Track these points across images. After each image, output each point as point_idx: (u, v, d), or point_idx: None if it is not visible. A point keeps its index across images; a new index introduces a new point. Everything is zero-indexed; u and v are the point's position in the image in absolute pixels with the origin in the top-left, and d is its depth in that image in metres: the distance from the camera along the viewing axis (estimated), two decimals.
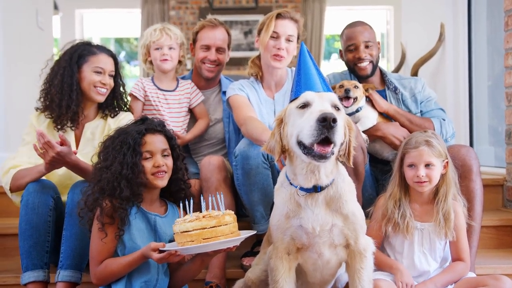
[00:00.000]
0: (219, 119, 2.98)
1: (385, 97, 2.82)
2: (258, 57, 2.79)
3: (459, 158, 2.31)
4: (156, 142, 2.04)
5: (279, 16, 2.61)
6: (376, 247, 1.99)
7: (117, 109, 2.55)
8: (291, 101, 1.80)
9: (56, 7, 6.92)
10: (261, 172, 2.37)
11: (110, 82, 2.45)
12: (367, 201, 2.49)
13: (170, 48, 2.83)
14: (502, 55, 3.15)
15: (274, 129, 1.83)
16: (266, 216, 2.43)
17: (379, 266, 2.10)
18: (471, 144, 4.08)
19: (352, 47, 2.78)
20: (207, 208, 1.88)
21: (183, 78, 3.07)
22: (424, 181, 2.08)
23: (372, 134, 2.67)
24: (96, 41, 2.87)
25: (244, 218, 2.64)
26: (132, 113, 2.66)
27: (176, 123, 2.85)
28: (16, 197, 2.32)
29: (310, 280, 1.99)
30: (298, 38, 2.68)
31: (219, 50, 2.89)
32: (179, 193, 2.13)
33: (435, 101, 2.83)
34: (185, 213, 1.92)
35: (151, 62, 2.91)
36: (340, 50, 2.92)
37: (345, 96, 2.65)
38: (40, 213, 2.17)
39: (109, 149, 2.01)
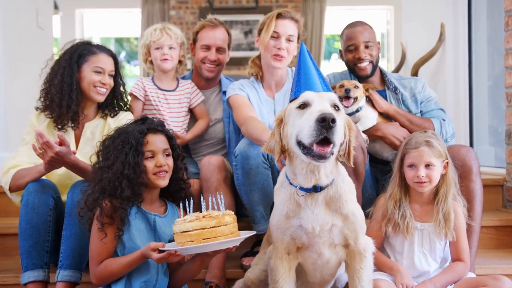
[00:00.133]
0: (219, 119, 2.98)
1: (385, 97, 2.82)
2: (258, 57, 2.79)
3: (459, 158, 2.31)
4: (157, 142, 2.04)
5: (279, 16, 2.61)
6: (376, 248, 1.99)
7: (117, 108, 2.56)
8: (291, 101, 1.81)
9: (56, 7, 6.92)
10: (261, 172, 2.37)
11: (110, 82, 2.45)
12: (367, 201, 2.49)
13: (170, 48, 2.83)
14: (502, 55, 3.15)
15: (274, 129, 1.84)
16: (266, 216, 2.43)
17: (379, 267, 2.11)
18: (471, 144, 4.08)
19: (352, 47, 2.78)
20: (207, 208, 1.88)
21: (183, 78, 3.07)
22: (424, 182, 2.08)
23: (372, 134, 2.67)
24: (96, 40, 2.87)
25: (244, 218, 2.64)
26: (132, 113, 2.67)
27: (176, 123, 2.85)
28: (16, 197, 2.32)
29: (310, 280, 1.99)
30: (298, 38, 2.68)
31: (219, 50, 2.89)
32: (179, 193, 2.14)
33: (435, 101, 2.83)
34: (185, 213, 1.92)
35: (151, 62, 2.91)
36: (340, 50, 2.92)
37: (345, 96, 2.65)
38: (40, 212, 2.17)
39: (110, 148, 2.00)
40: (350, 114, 2.64)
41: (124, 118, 2.47)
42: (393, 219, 2.12)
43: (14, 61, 4.07)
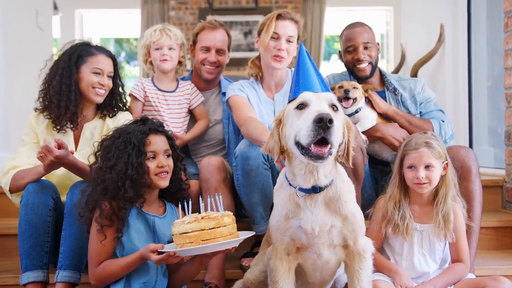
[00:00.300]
0: (218, 120, 2.98)
1: (384, 98, 2.82)
2: (258, 57, 2.79)
3: (459, 159, 2.32)
4: (159, 143, 2.04)
5: (279, 17, 2.62)
6: (376, 249, 1.99)
7: (115, 109, 2.55)
8: (289, 101, 1.81)
9: (55, 7, 6.91)
10: (261, 172, 2.37)
11: (109, 83, 2.45)
12: (366, 202, 2.49)
13: (170, 49, 2.83)
14: (501, 56, 3.16)
15: (273, 129, 1.84)
16: (266, 216, 2.43)
17: (378, 268, 2.10)
18: (471, 145, 4.08)
19: (351, 48, 2.78)
20: (205, 209, 1.88)
21: (182, 79, 3.07)
22: (424, 183, 2.08)
23: (371, 135, 2.68)
24: (96, 41, 2.87)
25: (243, 219, 2.65)
26: (132, 114, 2.67)
27: (176, 124, 2.85)
28: (16, 197, 2.32)
29: (309, 280, 1.99)
30: (298, 38, 2.68)
31: (219, 51, 2.89)
32: (178, 193, 2.14)
33: (434, 102, 2.83)
34: (184, 214, 1.92)
35: (151, 63, 2.91)
36: (340, 51, 2.93)
37: (345, 97, 2.65)
38: (40, 213, 2.17)
39: (111, 149, 2.00)
40: (349, 115, 2.64)
41: (123, 118, 2.47)
42: (392, 220, 2.12)
43: (14, 61, 4.06)
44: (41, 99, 2.44)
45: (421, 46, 4.60)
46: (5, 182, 2.29)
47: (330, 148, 1.64)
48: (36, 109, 2.46)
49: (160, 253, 1.84)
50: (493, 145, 3.97)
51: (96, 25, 8.77)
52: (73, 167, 2.21)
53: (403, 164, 2.15)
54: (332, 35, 9.13)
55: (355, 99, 2.66)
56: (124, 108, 2.61)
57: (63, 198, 2.25)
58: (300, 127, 1.65)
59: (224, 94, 2.87)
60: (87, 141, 2.44)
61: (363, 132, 2.64)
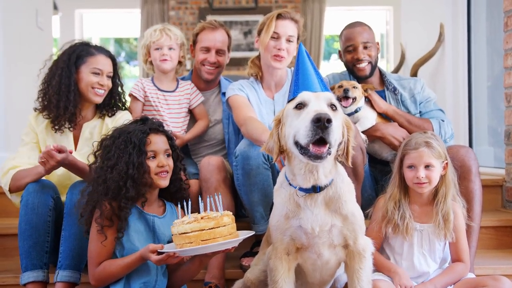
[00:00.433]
0: (218, 120, 2.98)
1: (384, 97, 2.82)
2: (258, 57, 2.79)
3: (458, 159, 2.32)
4: (159, 142, 2.04)
5: (279, 16, 2.62)
6: (376, 248, 1.99)
7: (114, 108, 2.55)
8: (289, 101, 1.81)
9: (55, 7, 6.92)
10: (262, 172, 2.37)
11: (108, 83, 2.45)
12: (366, 202, 2.49)
13: (170, 49, 2.83)
14: (501, 56, 3.16)
15: (272, 129, 1.84)
16: (266, 216, 2.43)
17: (377, 268, 2.10)
18: (471, 145, 4.08)
19: (350, 48, 2.78)
20: (205, 209, 1.88)
21: (182, 79, 3.07)
22: (424, 183, 2.08)
23: (371, 134, 2.68)
24: (95, 41, 2.87)
25: (243, 219, 2.65)
26: (132, 114, 2.67)
27: (176, 124, 2.85)
28: (16, 197, 2.32)
29: (309, 280, 1.99)
30: (298, 38, 2.68)
31: (219, 52, 2.89)
32: (178, 193, 2.14)
33: (434, 102, 2.83)
34: (183, 213, 1.92)
35: (151, 63, 2.91)
36: (339, 51, 2.93)
37: (344, 96, 2.65)
38: (40, 213, 2.18)
39: (111, 148, 2.00)
40: (349, 115, 2.64)
41: (122, 117, 2.48)
42: (392, 220, 2.12)
43: (14, 61, 4.06)
44: (40, 99, 2.44)
45: (421, 45, 4.60)
46: (5, 182, 2.29)
47: (329, 148, 1.64)
48: (35, 109, 2.46)
49: (159, 253, 1.84)
50: (493, 145, 3.97)
51: (96, 25, 8.77)
52: (73, 167, 2.22)
53: (403, 163, 2.15)
54: (332, 35, 9.13)
55: (354, 99, 2.66)
56: (124, 107, 2.61)
57: (63, 198, 2.25)
58: (299, 127, 1.65)
59: (224, 94, 2.87)
60: (87, 140, 2.44)
61: (363, 132, 2.64)
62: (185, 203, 1.89)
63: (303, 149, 1.66)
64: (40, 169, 2.19)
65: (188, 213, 1.85)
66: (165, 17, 7.90)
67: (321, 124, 1.58)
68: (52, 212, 2.21)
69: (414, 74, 4.47)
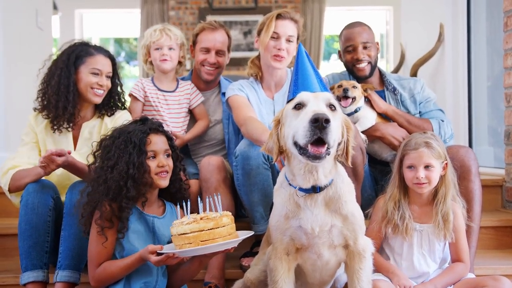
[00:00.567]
0: (218, 120, 2.98)
1: (384, 97, 2.82)
2: (258, 57, 2.79)
3: (458, 159, 2.32)
4: (159, 142, 2.04)
5: (279, 16, 2.62)
6: (375, 249, 1.99)
7: (114, 108, 2.55)
8: (288, 101, 1.81)
9: (55, 7, 6.92)
10: (262, 172, 2.37)
11: (107, 83, 2.45)
12: (366, 202, 2.49)
13: (170, 49, 2.83)
14: (501, 56, 3.16)
15: (272, 130, 1.84)
16: (266, 216, 2.43)
17: (376, 269, 2.10)
18: (470, 145, 4.08)
19: (350, 48, 2.78)
20: (204, 210, 1.88)
21: (182, 79, 3.07)
22: (424, 183, 2.08)
23: (370, 134, 2.68)
24: (95, 41, 2.87)
25: (243, 219, 2.65)
26: (132, 114, 2.67)
27: (176, 124, 2.85)
28: (15, 197, 2.32)
29: (309, 281, 1.99)
30: (298, 38, 2.68)
31: (218, 53, 2.88)
32: (178, 193, 2.14)
33: (434, 102, 2.83)
34: (183, 214, 1.92)
35: (151, 63, 2.91)
36: (339, 51, 2.93)
37: (343, 96, 2.65)
38: (40, 213, 2.18)
39: (111, 148, 1.99)
40: (348, 114, 2.65)
41: (121, 117, 2.48)
42: (392, 220, 2.12)
43: (14, 61, 4.06)
44: (39, 99, 2.44)
45: (420, 45, 4.60)
46: (4, 182, 2.29)
47: (328, 148, 1.64)
48: (35, 109, 2.46)
49: (159, 254, 1.84)
50: (492, 145, 3.97)
51: (96, 25, 8.77)
52: (72, 167, 2.22)
53: (403, 164, 2.15)
54: (331, 35, 9.13)
55: (354, 98, 2.66)
56: (123, 107, 2.61)
57: (63, 198, 2.25)
58: (298, 127, 1.65)
59: (224, 94, 2.87)
60: (86, 140, 2.44)
61: (362, 132, 2.64)
62: (184, 204, 1.89)
63: (302, 150, 1.66)
64: (39, 170, 2.19)
65: (187, 214, 1.85)
66: (165, 17, 7.89)
67: (319, 124, 1.58)
68: (52, 212, 2.21)
69: (414, 74, 4.46)
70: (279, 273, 1.87)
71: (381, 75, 2.91)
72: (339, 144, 1.75)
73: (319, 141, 1.61)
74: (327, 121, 1.58)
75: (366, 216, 2.14)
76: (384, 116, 2.76)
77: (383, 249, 2.22)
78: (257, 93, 2.74)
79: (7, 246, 2.72)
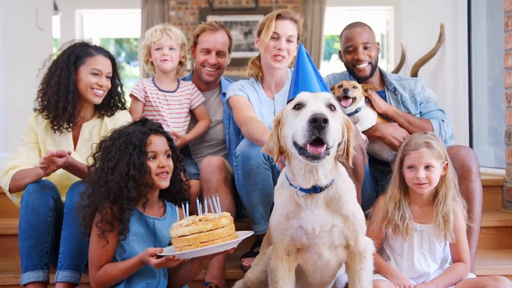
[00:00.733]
0: (219, 121, 2.97)
1: (384, 98, 2.82)
2: (258, 57, 2.79)
3: (459, 159, 2.31)
4: (159, 143, 2.04)
5: (279, 16, 2.61)
6: (376, 249, 1.99)
7: (113, 108, 2.55)
8: (288, 101, 1.81)
9: (55, 7, 6.91)
10: (262, 172, 2.37)
11: (107, 83, 2.45)
12: (366, 202, 2.49)
13: (171, 49, 2.82)
14: (502, 56, 3.15)
15: (272, 130, 1.84)
16: (266, 216, 2.43)
17: (376, 269, 2.10)
18: (471, 145, 4.08)
19: (350, 48, 2.78)
20: (203, 211, 1.87)
21: (183, 79, 3.07)
22: (424, 183, 2.08)
23: (371, 134, 2.67)
24: (96, 41, 2.87)
25: (244, 219, 2.65)
26: (132, 114, 2.67)
27: (177, 124, 2.85)
28: (16, 197, 2.32)
29: (309, 281, 1.99)
30: (298, 38, 2.68)
31: (219, 53, 2.88)
32: (179, 194, 2.14)
33: (434, 102, 2.83)
34: (182, 216, 1.91)
35: (152, 63, 2.91)
36: (340, 51, 2.92)
37: (344, 96, 2.65)
38: (40, 213, 2.17)
39: (111, 149, 1.99)
40: (349, 115, 2.64)
41: (121, 117, 2.48)
42: (393, 221, 2.12)
43: (14, 61, 4.07)
44: (39, 99, 2.44)
45: (421, 45, 4.60)
46: (4, 182, 2.29)
47: (327, 148, 1.64)
48: (35, 109, 2.46)
49: (159, 256, 1.84)
50: (493, 145, 3.97)
51: (96, 25, 8.78)
52: (73, 168, 2.22)
53: (403, 164, 2.15)
54: (332, 35, 9.13)
55: (354, 99, 2.66)
56: (123, 107, 2.61)
57: (63, 198, 2.25)
58: (297, 128, 1.65)
59: (224, 94, 2.87)
60: (86, 141, 2.44)
61: (363, 132, 2.64)
62: (183, 206, 1.89)
63: (301, 150, 1.65)
64: (40, 171, 2.19)
65: (186, 216, 1.85)
66: (165, 17, 7.90)
67: (317, 124, 1.58)
68: (52, 212, 2.21)
69: (414, 74, 4.46)
70: (280, 273, 1.86)
71: (382, 75, 2.91)
72: (339, 144, 1.75)
73: (318, 141, 1.61)
74: (325, 121, 1.58)
75: (367, 216, 2.13)
76: (385, 117, 2.76)
77: (384, 249, 2.22)
78: (257, 93, 2.74)
79: (7, 246, 2.72)
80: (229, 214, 1.88)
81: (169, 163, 2.05)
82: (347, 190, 1.84)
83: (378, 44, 2.85)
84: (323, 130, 1.59)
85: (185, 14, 8.03)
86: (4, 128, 3.88)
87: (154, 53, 2.84)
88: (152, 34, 2.84)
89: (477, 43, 4.14)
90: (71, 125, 2.41)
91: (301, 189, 1.79)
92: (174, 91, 2.90)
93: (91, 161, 2.08)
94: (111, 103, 2.54)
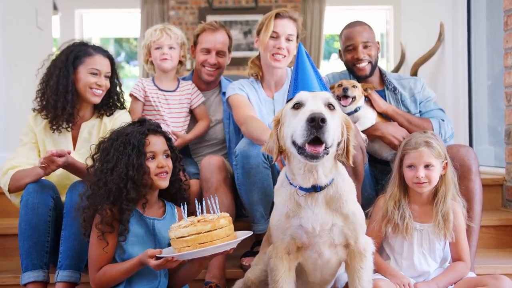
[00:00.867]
0: (219, 120, 2.97)
1: (384, 97, 2.82)
2: (258, 57, 2.79)
3: (458, 158, 2.31)
4: (158, 143, 2.04)
5: (278, 15, 2.61)
6: (375, 248, 1.99)
7: (113, 108, 2.55)
8: (287, 101, 1.81)
9: (55, 7, 6.91)
10: (261, 171, 2.37)
11: (106, 83, 2.45)
12: (366, 201, 2.49)
13: (170, 48, 2.82)
14: (501, 55, 3.16)
15: (272, 129, 1.84)
16: (266, 215, 2.43)
17: (375, 268, 2.10)
18: (471, 144, 4.08)
19: (350, 48, 2.78)
20: (202, 212, 1.87)
21: (183, 79, 3.07)
22: (424, 182, 2.08)
23: (371, 133, 2.67)
24: (95, 41, 2.87)
25: (244, 218, 2.65)
26: (132, 114, 2.67)
27: (177, 124, 2.85)
28: (15, 197, 2.32)
29: (310, 280, 1.99)
30: (297, 37, 2.68)
31: (219, 53, 2.88)
32: (178, 194, 2.14)
33: (434, 101, 2.83)
34: (182, 216, 1.91)
35: (152, 63, 2.91)
36: (339, 50, 2.92)
37: (343, 95, 2.65)
38: (40, 213, 2.17)
39: (110, 150, 1.99)
40: (349, 114, 2.64)
41: (120, 116, 2.48)
42: (392, 220, 2.12)
43: (14, 61, 4.06)
44: (38, 99, 2.44)
45: (421, 45, 4.60)
46: (4, 182, 2.29)
47: (326, 148, 1.64)
48: (34, 110, 2.46)
49: (158, 258, 1.84)
50: (493, 144, 3.97)
51: (96, 25, 8.77)
52: (72, 168, 2.22)
53: (403, 163, 2.15)
54: (332, 34, 9.13)
55: (354, 98, 2.66)
56: (122, 107, 2.61)
57: (62, 198, 2.25)
58: (296, 127, 1.66)
59: (224, 93, 2.87)
60: (85, 140, 2.44)
61: (362, 131, 2.64)
62: (182, 207, 1.89)
63: (300, 149, 1.65)
64: (39, 170, 2.19)
65: (185, 217, 1.85)
66: (165, 17, 7.89)
67: (315, 123, 1.58)
68: (52, 212, 2.21)
69: (414, 73, 4.46)
70: (280, 272, 1.87)
71: (381, 74, 2.91)
72: (339, 143, 1.75)
73: (317, 141, 1.61)
74: (323, 120, 1.58)
75: (366, 216, 2.14)
76: (385, 116, 2.76)
77: (383, 248, 2.22)
78: (257, 92, 2.74)
79: (7, 246, 2.72)
80: (228, 214, 1.87)
81: (168, 163, 2.04)
82: (347, 189, 1.84)
83: (378, 43, 2.85)
84: (321, 130, 1.59)
85: (185, 13, 8.02)
86: (4, 128, 3.88)
87: (154, 52, 2.84)
88: (152, 34, 2.84)
89: (477, 42, 4.14)
90: (70, 125, 2.41)
91: (301, 188, 1.79)
92: (174, 91, 2.90)
93: (89, 162, 2.08)
94: (110, 102, 2.54)
